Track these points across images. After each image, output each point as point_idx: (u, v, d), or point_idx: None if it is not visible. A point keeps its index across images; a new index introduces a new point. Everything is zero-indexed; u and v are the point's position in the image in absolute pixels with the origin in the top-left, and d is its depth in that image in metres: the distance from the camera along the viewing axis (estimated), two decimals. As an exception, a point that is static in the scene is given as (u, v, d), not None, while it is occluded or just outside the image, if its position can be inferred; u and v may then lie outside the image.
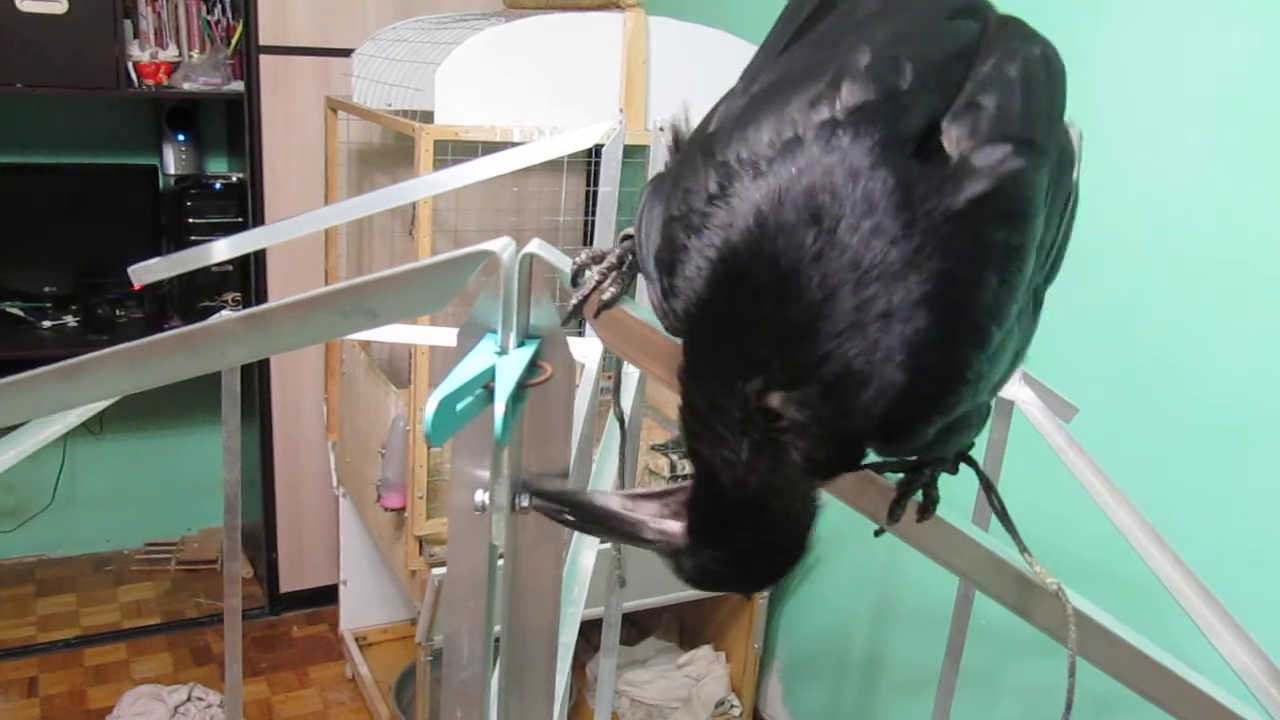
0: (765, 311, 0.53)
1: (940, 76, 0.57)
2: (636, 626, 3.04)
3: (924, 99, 0.56)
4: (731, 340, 0.55)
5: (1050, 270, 0.65)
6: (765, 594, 2.71)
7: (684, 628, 3.11)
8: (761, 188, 0.54)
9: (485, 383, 0.57)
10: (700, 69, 2.30)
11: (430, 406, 0.52)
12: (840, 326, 0.52)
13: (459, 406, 0.55)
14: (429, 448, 2.30)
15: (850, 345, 0.52)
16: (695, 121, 0.65)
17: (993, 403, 0.65)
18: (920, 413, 0.55)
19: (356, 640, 3.13)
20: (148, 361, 0.69)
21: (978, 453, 1.32)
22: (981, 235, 0.54)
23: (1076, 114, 1.90)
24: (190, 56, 3.07)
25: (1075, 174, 0.65)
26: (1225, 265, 1.64)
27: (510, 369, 0.57)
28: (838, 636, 2.64)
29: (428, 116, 2.16)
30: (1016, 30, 0.63)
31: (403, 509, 2.41)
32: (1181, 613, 1.01)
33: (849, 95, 0.55)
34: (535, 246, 0.61)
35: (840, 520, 2.38)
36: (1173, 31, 1.71)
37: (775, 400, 0.54)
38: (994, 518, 0.79)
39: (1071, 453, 1.27)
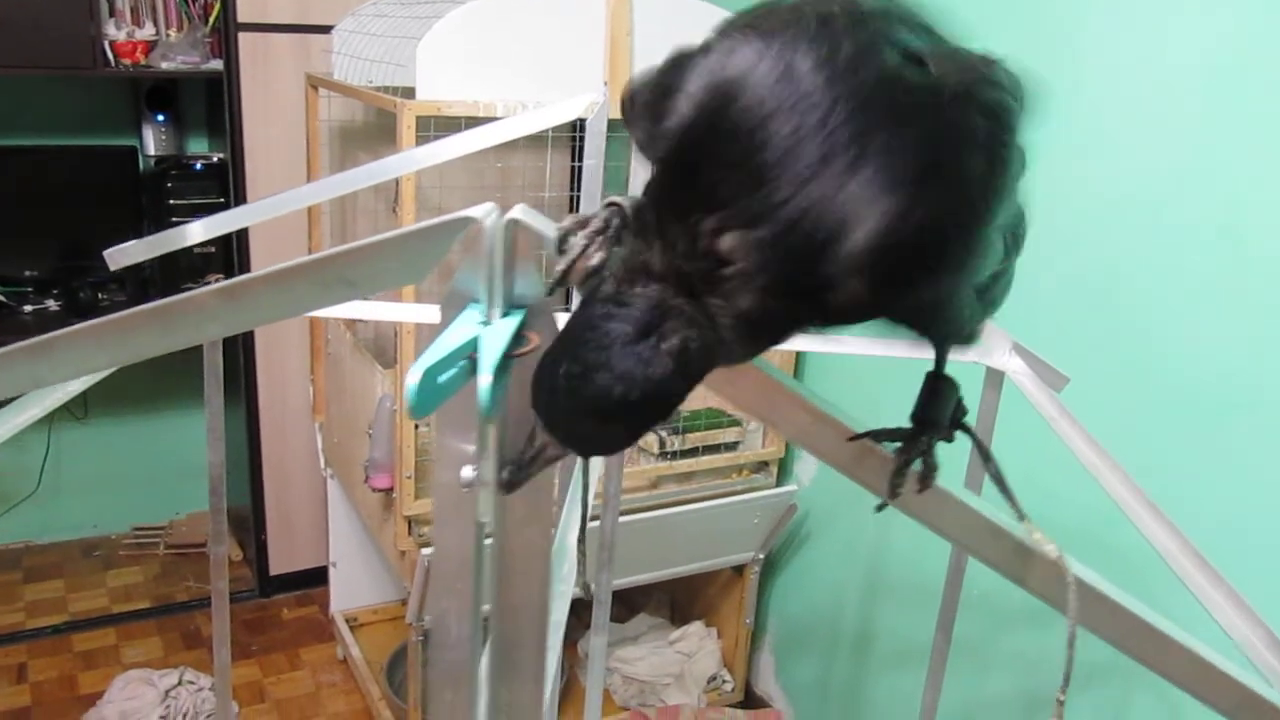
0: (733, 153, 0.54)
1: (921, 28, 0.61)
2: (627, 603, 3.04)
3: (909, 30, 0.60)
4: (697, 176, 0.56)
5: (1016, 239, 0.67)
6: (757, 569, 2.70)
7: (675, 604, 3.11)
8: (752, 42, 0.57)
9: (469, 354, 0.56)
10: (684, 40, 2.27)
11: (413, 378, 0.50)
12: (808, 169, 0.53)
13: (442, 379, 0.53)
14: (415, 425, 2.28)
15: (814, 185, 0.53)
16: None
17: (981, 326, 0.66)
18: (910, 249, 0.55)
19: (347, 621, 3.12)
20: (119, 337, 0.67)
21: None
22: (966, 119, 0.58)
23: (1067, 84, 1.89)
24: (168, 35, 3.02)
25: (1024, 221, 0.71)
26: (1216, 233, 1.63)
27: (494, 339, 0.56)
28: (829, 611, 2.64)
29: (409, 92, 2.13)
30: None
31: (391, 489, 2.40)
32: (1177, 584, 1.00)
33: (845, 3, 0.59)
34: (519, 212, 0.59)
35: (830, 494, 2.38)
36: (1161, 11, 1.69)
37: (728, 242, 0.54)
38: (987, 485, 0.77)
39: (1063, 422, 1.26)
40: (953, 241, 0.57)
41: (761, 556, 2.68)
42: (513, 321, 0.58)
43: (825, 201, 0.53)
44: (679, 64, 0.60)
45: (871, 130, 0.54)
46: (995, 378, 1.42)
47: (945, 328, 0.64)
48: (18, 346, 0.67)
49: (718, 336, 0.56)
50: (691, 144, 0.56)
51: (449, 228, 0.57)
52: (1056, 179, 1.84)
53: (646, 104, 0.61)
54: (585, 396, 0.56)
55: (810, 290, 0.55)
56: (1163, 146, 1.70)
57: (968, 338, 0.65)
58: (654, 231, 0.57)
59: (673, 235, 0.56)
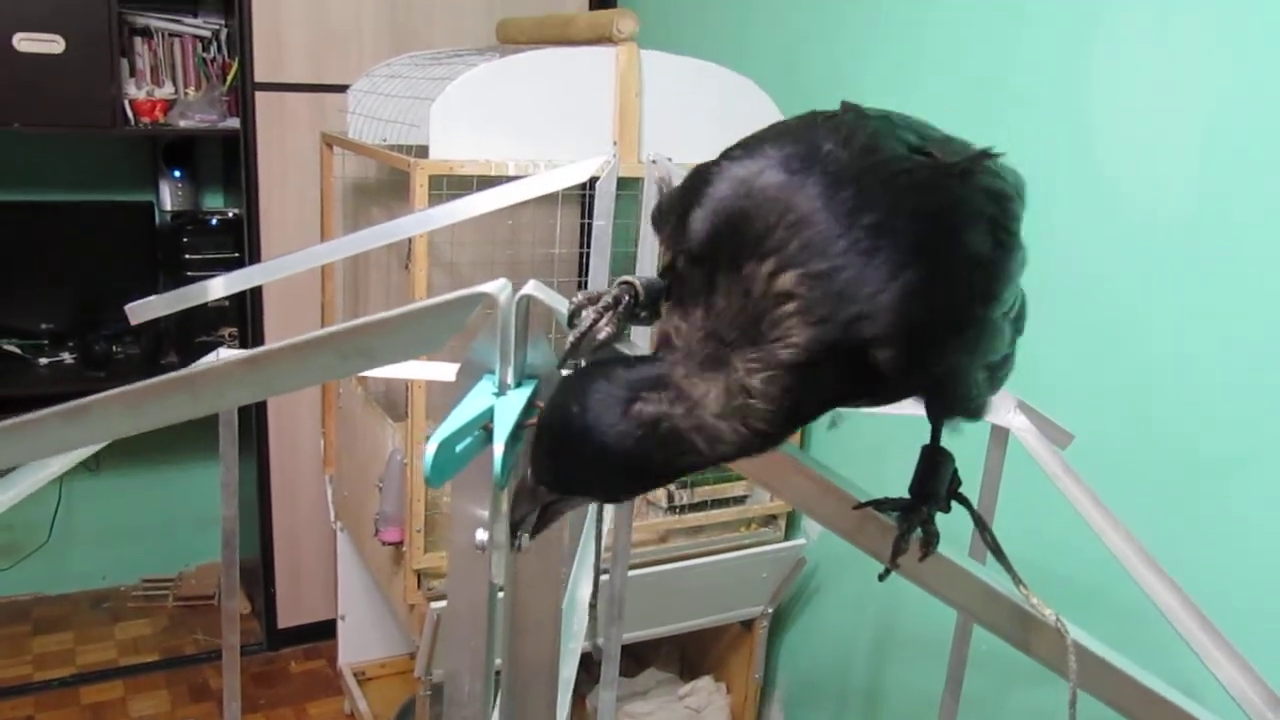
0: (779, 202, 0.58)
1: (919, 133, 0.65)
2: (636, 658, 3.03)
3: (910, 133, 0.64)
4: (748, 231, 0.59)
5: (1018, 321, 0.70)
6: (766, 624, 2.70)
7: (684, 658, 3.10)
8: (773, 140, 0.62)
9: (484, 423, 0.58)
10: (693, 102, 2.32)
11: (430, 449, 0.52)
12: (849, 216, 0.57)
13: (459, 448, 0.56)
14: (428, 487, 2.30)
15: (858, 231, 0.57)
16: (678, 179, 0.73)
17: (989, 401, 0.69)
18: (929, 318, 0.58)
19: (355, 675, 3.11)
20: (148, 404, 0.69)
21: (972, 482, 1.32)
22: (973, 197, 0.62)
23: (1072, 140, 1.91)
24: (186, 94, 3.09)
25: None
26: (1221, 289, 1.65)
27: (508, 410, 0.58)
28: (838, 665, 2.63)
29: (423, 151, 2.17)
30: None
31: (400, 543, 2.41)
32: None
33: (848, 108, 0.65)
34: (532, 288, 0.62)
35: (839, 548, 2.37)
36: (1163, 57, 1.72)
37: (789, 279, 0.57)
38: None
39: (1067, 480, 1.27)
40: (964, 316, 0.61)
41: (770, 611, 2.68)
42: (525, 392, 0.61)
43: (867, 244, 0.57)
44: (703, 170, 0.64)
45: (895, 195, 0.58)
46: (1000, 435, 1.44)
47: (956, 404, 0.67)
48: (50, 412, 0.69)
49: (701, 424, 0.58)
50: (730, 221, 0.60)
51: (465, 303, 0.59)
52: (1059, 235, 1.86)
53: (674, 201, 0.64)
54: (559, 428, 0.59)
55: (854, 339, 0.57)
56: (1168, 200, 1.72)
57: (975, 412, 0.68)
58: (701, 292, 0.60)
59: (727, 285, 0.59)
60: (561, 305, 0.64)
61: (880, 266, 0.56)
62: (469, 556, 0.65)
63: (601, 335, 0.63)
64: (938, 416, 0.73)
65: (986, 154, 0.65)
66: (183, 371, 0.67)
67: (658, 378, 0.59)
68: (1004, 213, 0.64)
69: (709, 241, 0.61)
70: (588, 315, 0.64)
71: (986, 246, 0.61)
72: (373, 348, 0.63)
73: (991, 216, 0.62)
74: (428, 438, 0.61)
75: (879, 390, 0.61)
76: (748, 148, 0.62)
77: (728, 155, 0.63)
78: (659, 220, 0.67)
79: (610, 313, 0.64)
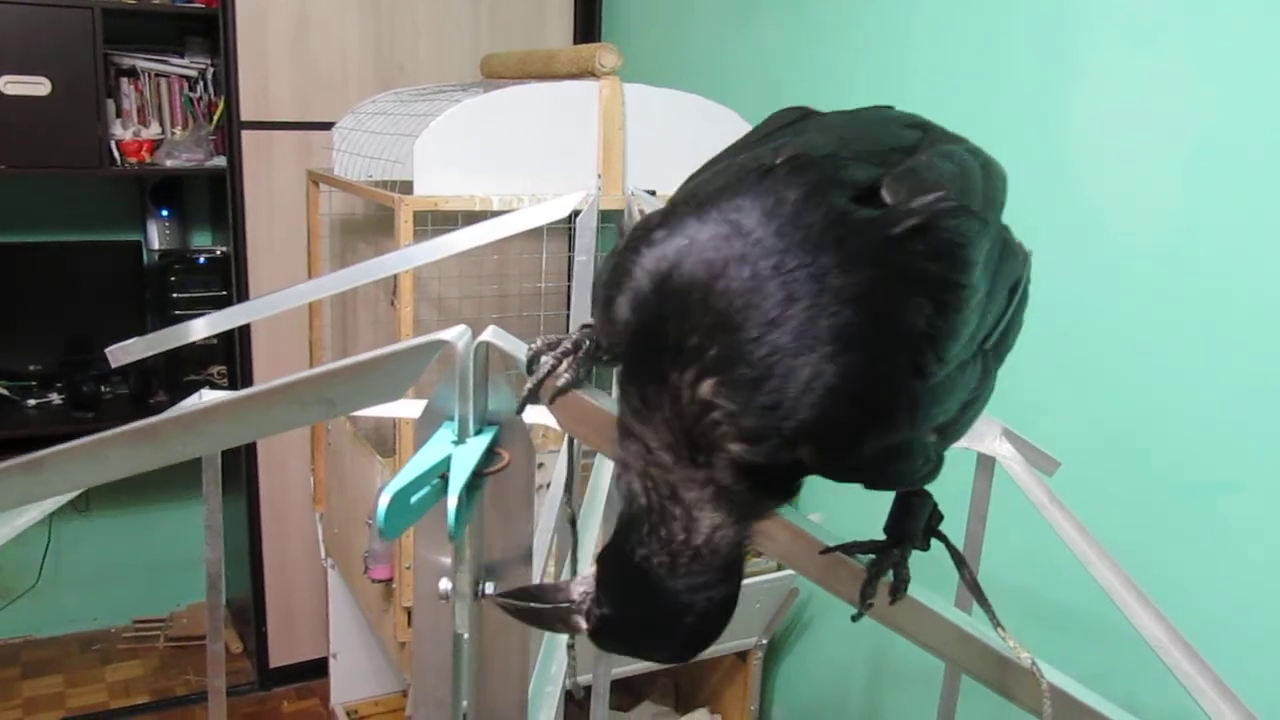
0: (696, 303, 0.56)
1: (880, 157, 0.61)
2: (631, 691, 3.00)
3: (863, 165, 0.60)
4: (667, 336, 0.56)
5: (999, 346, 0.66)
6: (760, 655, 2.68)
7: (679, 690, 3.07)
8: (698, 212, 0.58)
9: (441, 473, 0.57)
10: (675, 133, 2.32)
11: (383, 501, 0.51)
12: (769, 316, 0.54)
13: (414, 499, 0.55)
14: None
15: (777, 333, 0.54)
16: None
17: (945, 453, 0.65)
18: (852, 414, 0.56)
19: (348, 714, 3.08)
20: (110, 455, 0.69)
21: (960, 510, 1.31)
22: (913, 262, 0.58)
23: (1054, 172, 1.92)
24: (173, 133, 3.10)
25: (1024, 276, 0.72)
26: (1205, 314, 1.65)
27: (465, 459, 0.57)
28: (834, 695, 2.61)
29: (408, 187, 2.18)
30: (955, 138, 0.68)
31: (391, 580, 2.39)
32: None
33: (789, 150, 0.60)
34: (490, 335, 0.61)
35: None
36: (1144, 86, 1.73)
37: (707, 388, 0.55)
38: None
39: (1053, 508, 1.26)
40: (896, 400, 0.58)
41: (765, 642, 2.66)
42: (484, 440, 0.60)
43: (790, 347, 0.55)
44: (626, 255, 0.60)
45: (820, 271, 0.55)
46: (986, 463, 1.43)
47: (897, 479, 0.63)
48: (11, 464, 0.68)
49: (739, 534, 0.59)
50: (650, 316, 0.58)
51: (424, 350, 0.59)
52: (1043, 262, 1.86)
53: (601, 285, 0.62)
54: (648, 635, 0.62)
55: (783, 437, 0.56)
56: (1148, 227, 1.73)
57: (920, 482, 0.64)
58: (640, 400, 0.58)
59: (657, 398, 0.57)
60: (520, 351, 0.63)
61: (803, 368, 0.54)
62: (433, 605, 0.64)
63: (561, 381, 0.62)
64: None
65: (938, 207, 0.59)
66: (144, 423, 0.66)
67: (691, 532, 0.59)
68: (953, 264, 0.59)
69: (630, 347, 0.59)
70: (546, 361, 0.63)
71: (924, 315, 0.57)
72: (333, 396, 0.62)
73: (935, 276, 0.58)
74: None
75: (820, 472, 0.60)
76: (669, 224, 0.59)
77: (649, 237, 0.59)
78: (594, 298, 0.65)
79: (569, 358, 0.63)
